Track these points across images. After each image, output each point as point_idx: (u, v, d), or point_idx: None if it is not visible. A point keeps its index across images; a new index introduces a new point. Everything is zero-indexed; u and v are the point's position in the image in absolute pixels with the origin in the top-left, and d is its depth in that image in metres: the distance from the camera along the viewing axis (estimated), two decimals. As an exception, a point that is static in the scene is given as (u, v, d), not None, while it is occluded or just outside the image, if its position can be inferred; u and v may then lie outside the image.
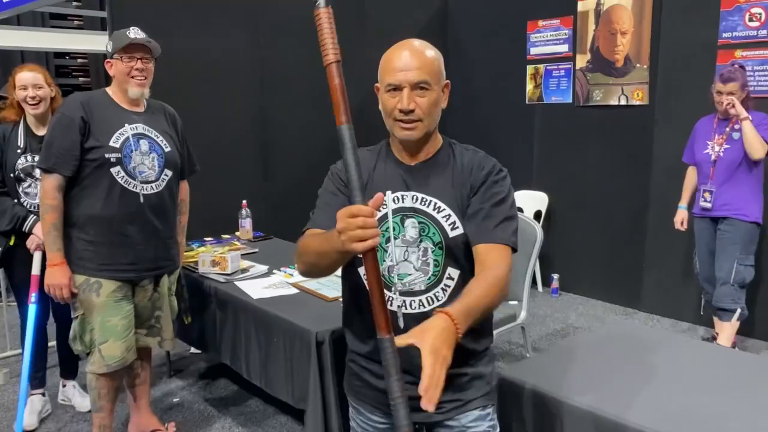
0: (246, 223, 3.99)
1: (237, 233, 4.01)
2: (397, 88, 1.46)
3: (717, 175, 3.56)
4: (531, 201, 5.15)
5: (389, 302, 1.51)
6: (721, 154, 3.55)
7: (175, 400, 3.45)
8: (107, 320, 2.60)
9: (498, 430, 1.63)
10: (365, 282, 1.47)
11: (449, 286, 1.53)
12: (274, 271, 3.24)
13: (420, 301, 1.53)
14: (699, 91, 4.19)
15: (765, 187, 3.62)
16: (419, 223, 1.51)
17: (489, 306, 1.39)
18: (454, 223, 1.51)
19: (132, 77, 2.61)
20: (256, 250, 3.68)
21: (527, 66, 5.19)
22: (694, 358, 2.15)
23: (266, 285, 3.02)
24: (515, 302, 3.42)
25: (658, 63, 4.41)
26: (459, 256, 1.52)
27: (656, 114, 4.43)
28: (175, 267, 2.91)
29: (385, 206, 1.51)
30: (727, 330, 3.52)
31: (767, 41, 3.90)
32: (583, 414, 1.76)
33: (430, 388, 1.13)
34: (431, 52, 1.50)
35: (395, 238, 1.52)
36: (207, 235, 3.94)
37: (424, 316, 1.44)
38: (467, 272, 1.51)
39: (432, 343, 1.17)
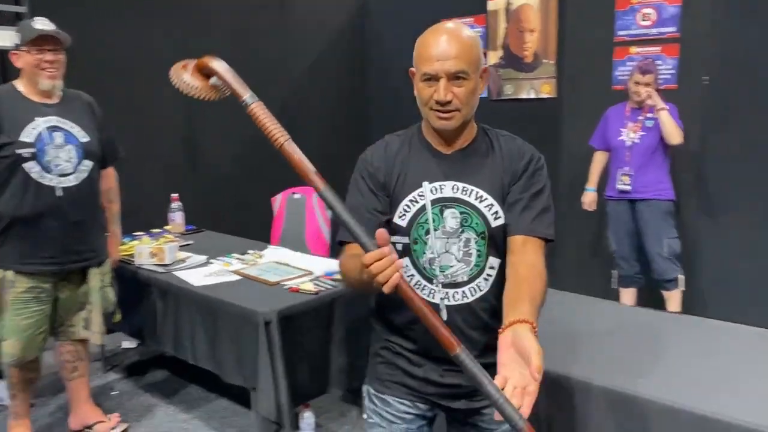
0: (177, 217, 4.02)
1: (167, 227, 4.03)
2: (433, 78, 1.41)
3: (634, 160, 3.89)
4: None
5: (431, 295, 1.50)
6: (637, 140, 3.89)
7: (113, 393, 3.47)
8: (12, 319, 2.65)
9: None
10: (404, 276, 1.43)
11: (491, 276, 1.51)
12: (213, 260, 3.32)
13: (463, 292, 1.50)
14: (600, 84, 4.59)
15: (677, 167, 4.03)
16: (461, 213, 1.48)
17: (544, 299, 1.37)
18: (497, 212, 1.48)
19: (42, 69, 2.60)
20: (191, 242, 3.74)
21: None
22: (616, 319, 2.44)
23: (207, 273, 3.10)
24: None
25: (563, 59, 4.77)
26: (500, 245, 1.49)
27: (563, 106, 4.80)
28: (103, 258, 2.93)
29: (422, 197, 1.48)
30: (675, 297, 3.92)
31: (657, 38, 4.32)
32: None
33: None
34: (468, 37, 1.44)
35: (435, 230, 1.48)
36: (136, 230, 3.94)
37: (467, 308, 1.50)
38: (504, 260, 1.49)
39: (536, 349, 1.12)
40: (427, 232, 1.48)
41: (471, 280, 1.49)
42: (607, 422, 1.83)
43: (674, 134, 3.73)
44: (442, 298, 1.50)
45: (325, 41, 5.71)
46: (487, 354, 1.43)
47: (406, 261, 1.50)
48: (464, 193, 1.48)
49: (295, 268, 3.13)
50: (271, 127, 1.29)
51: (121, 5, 4.33)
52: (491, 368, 1.15)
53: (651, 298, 4.15)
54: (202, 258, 3.33)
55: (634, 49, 4.43)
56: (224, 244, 3.71)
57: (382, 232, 1.20)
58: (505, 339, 1.18)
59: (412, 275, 1.51)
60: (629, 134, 3.93)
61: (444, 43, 1.40)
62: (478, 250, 1.48)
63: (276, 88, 5.28)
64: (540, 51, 4.89)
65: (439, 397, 1.59)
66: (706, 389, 1.78)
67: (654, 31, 4.34)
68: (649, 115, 3.87)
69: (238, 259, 3.31)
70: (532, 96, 4.98)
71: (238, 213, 4.85)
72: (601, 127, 4.14)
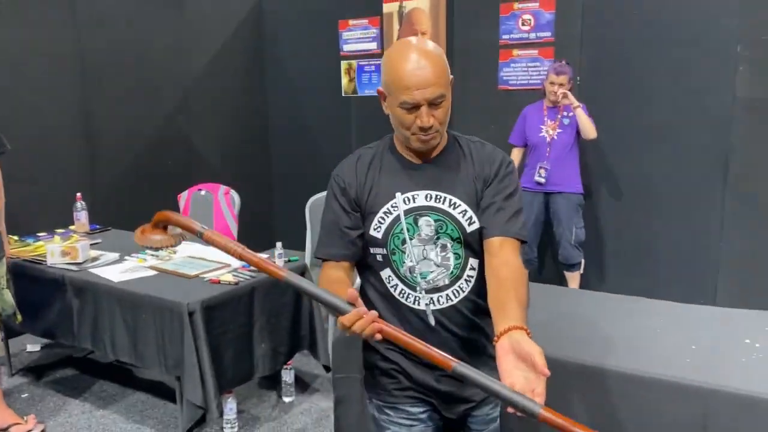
0: (82, 216, 3.98)
1: (72, 227, 3.99)
2: (414, 107, 1.43)
3: (552, 155, 4.24)
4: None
5: (416, 302, 1.53)
6: (556, 137, 4.24)
7: (24, 396, 3.42)
8: None
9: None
10: (388, 286, 1.55)
11: (472, 277, 1.54)
12: (126, 257, 3.36)
13: (447, 295, 1.53)
14: (487, 84, 4.98)
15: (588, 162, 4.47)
16: (435, 221, 1.51)
17: (528, 299, 1.42)
18: (471, 218, 1.51)
19: None
20: (99, 240, 3.74)
21: (342, 61, 5.68)
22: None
23: (123, 270, 3.15)
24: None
25: (452, 59, 5.13)
26: (477, 247, 1.53)
27: (453, 104, 5.14)
28: None
29: (396, 208, 1.51)
30: (576, 278, 4.36)
31: (536, 42, 4.77)
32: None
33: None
34: (438, 57, 1.45)
35: (411, 239, 1.51)
36: (39, 230, 3.88)
37: (452, 309, 1.53)
38: (483, 260, 1.52)
39: (538, 350, 1.19)
40: (404, 242, 1.51)
41: (452, 283, 1.53)
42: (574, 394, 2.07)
43: (590, 130, 4.10)
44: (426, 304, 1.52)
45: (224, 37, 5.76)
46: (479, 352, 1.56)
47: (387, 272, 1.54)
48: (437, 201, 1.51)
49: (212, 261, 3.25)
50: (229, 247, 1.41)
51: (10, 3, 4.21)
52: (485, 367, 1.29)
53: (548, 278, 4.62)
54: (115, 255, 3.37)
55: (516, 52, 4.85)
56: (132, 242, 3.71)
57: (352, 293, 1.27)
58: (502, 346, 1.22)
59: (396, 284, 1.54)
60: (548, 131, 4.27)
61: (420, 71, 1.40)
62: (455, 254, 1.52)
63: (173, 84, 5.30)
64: (432, 52, 5.22)
65: (438, 402, 1.62)
66: (631, 350, 2.07)
67: (533, 35, 4.78)
68: (565, 113, 4.23)
69: (152, 255, 3.37)
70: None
71: (144, 211, 4.82)
72: (520, 125, 4.44)
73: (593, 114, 4.22)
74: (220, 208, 4.57)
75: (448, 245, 1.51)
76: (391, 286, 1.54)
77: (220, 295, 2.82)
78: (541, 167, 4.27)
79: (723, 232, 4.16)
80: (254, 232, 4.85)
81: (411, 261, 1.51)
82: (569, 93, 4.14)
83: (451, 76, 1.48)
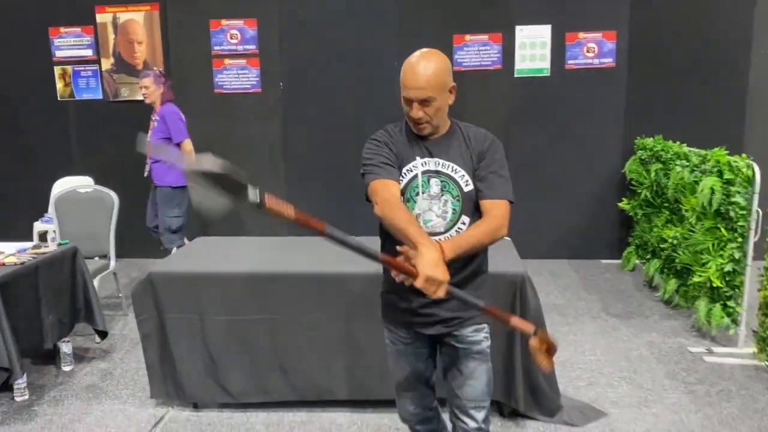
0: None
1: None
2: (408, 101, 1.89)
3: (152, 152, 4.44)
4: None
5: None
6: (150, 138, 4.64)
7: None
8: None
9: (489, 342, 2.09)
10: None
11: (461, 230, 1.95)
12: None
13: (439, 239, 1.89)
14: (204, 89, 5.74)
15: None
16: (441, 181, 1.94)
17: (477, 243, 1.86)
18: (467, 181, 1.95)
19: None
20: None
21: (55, 67, 5.85)
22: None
23: None
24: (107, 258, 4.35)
25: (170, 67, 5.75)
26: (470, 207, 1.95)
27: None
28: None
29: (416, 168, 1.95)
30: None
31: (243, 53, 5.68)
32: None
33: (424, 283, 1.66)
34: (435, 68, 1.87)
35: (423, 193, 1.94)
36: None
37: None
38: (475, 220, 1.95)
39: (423, 269, 1.65)
40: (417, 194, 1.93)
41: (446, 231, 1.95)
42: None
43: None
44: None
45: None
46: (459, 285, 1.91)
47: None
48: (444, 167, 1.95)
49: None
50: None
51: None
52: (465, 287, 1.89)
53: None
54: None
55: (227, 61, 5.70)
56: None
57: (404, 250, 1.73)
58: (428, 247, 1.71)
59: None
60: (149, 132, 4.71)
61: (414, 77, 1.86)
62: (453, 209, 1.94)
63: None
64: (149, 59, 5.77)
65: (420, 325, 2.04)
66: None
67: (240, 48, 5.68)
68: (156, 117, 4.69)
69: None
70: (147, 98, 5.84)
71: None
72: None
73: (301, 116, 5.29)
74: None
75: (449, 202, 1.95)
76: None
77: (10, 273, 3.16)
78: (146, 164, 4.84)
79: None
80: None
81: (419, 210, 1.94)
82: (152, 94, 4.64)
83: (453, 84, 1.92)
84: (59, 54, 5.86)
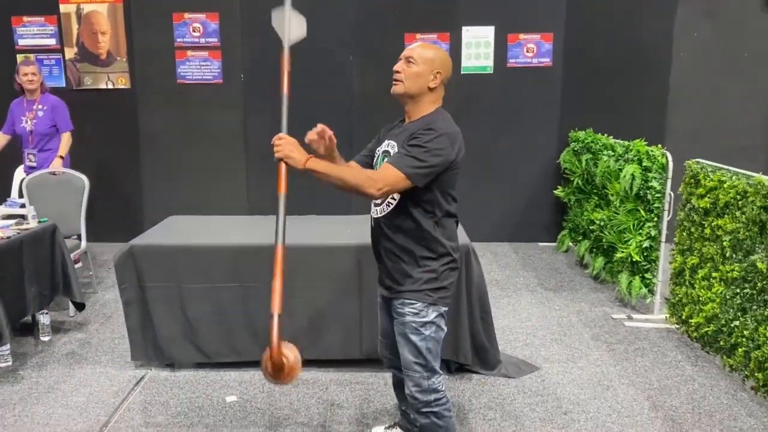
0: None
1: None
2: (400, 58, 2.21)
3: (35, 142, 4.89)
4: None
5: (375, 211, 2.28)
6: (33, 127, 4.88)
7: None
8: None
9: (433, 329, 2.22)
10: (371, 220, 2.32)
11: (391, 204, 2.19)
12: None
13: (376, 210, 2.26)
14: (167, 79, 5.96)
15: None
16: (385, 158, 2.20)
17: (338, 176, 2.02)
18: None
19: None
20: None
21: (18, 55, 5.97)
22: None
23: None
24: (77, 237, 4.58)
25: (134, 57, 5.97)
26: None
27: (137, 96, 6.02)
28: None
29: (380, 149, 2.29)
30: None
31: (206, 46, 5.93)
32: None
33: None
34: (433, 49, 2.20)
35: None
36: None
37: (381, 219, 2.24)
38: (404, 197, 2.14)
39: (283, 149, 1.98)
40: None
41: (381, 203, 2.23)
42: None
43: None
44: (372, 212, 2.31)
45: None
46: (398, 253, 2.24)
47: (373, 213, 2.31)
48: (389, 146, 2.24)
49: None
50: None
51: None
52: (399, 262, 2.21)
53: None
54: None
55: (190, 53, 5.96)
56: None
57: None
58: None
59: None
60: (28, 121, 4.89)
61: (411, 47, 2.22)
62: None
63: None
64: (113, 49, 5.97)
65: (380, 286, 2.37)
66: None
67: (203, 40, 5.94)
68: (40, 105, 4.87)
69: None
70: (110, 87, 6.04)
71: None
72: (10, 116, 4.99)
73: (260, 107, 5.59)
74: None
75: None
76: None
77: (-3, 246, 3.41)
78: (29, 153, 4.97)
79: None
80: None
81: None
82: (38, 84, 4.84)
83: (441, 72, 2.17)
84: (22, 42, 5.99)
